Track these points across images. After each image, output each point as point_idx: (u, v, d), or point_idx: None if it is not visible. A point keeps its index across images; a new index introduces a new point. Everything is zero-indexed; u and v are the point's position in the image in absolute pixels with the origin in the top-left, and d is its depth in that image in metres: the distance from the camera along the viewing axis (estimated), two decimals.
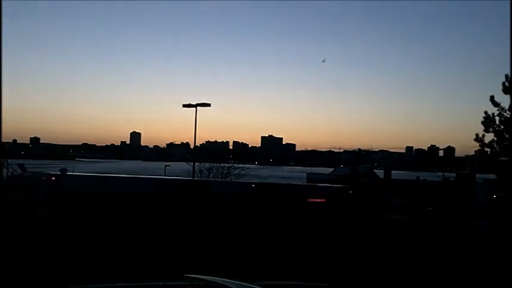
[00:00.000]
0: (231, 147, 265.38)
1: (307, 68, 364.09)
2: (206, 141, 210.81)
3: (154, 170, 60.19)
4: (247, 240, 12.57)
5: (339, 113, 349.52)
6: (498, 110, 18.72)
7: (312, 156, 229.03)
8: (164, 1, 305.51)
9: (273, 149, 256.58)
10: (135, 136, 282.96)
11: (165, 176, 37.98)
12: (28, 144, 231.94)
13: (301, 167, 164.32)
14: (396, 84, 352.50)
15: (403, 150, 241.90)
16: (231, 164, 39.21)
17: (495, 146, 18.92)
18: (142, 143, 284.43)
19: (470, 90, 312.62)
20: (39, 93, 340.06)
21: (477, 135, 19.20)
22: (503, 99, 18.84)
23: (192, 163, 34.82)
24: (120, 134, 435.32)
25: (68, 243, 11.03)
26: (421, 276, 10.71)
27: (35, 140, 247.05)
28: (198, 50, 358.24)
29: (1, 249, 10.76)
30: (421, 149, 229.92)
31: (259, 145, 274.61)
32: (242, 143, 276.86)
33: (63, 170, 12.72)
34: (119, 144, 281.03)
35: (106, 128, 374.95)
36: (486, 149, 19.49)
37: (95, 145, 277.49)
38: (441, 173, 62.03)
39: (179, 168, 39.10)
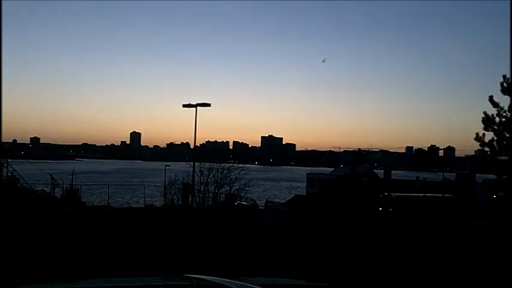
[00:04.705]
0: (231, 147, 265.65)
1: (307, 68, 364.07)
2: (206, 141, 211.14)
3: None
4: None
5: (339, 113, 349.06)
6: (497, 110, 18.73)
7: (312, 156, 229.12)
8: (164, 1, 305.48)
9: (273, 149, 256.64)
10: (135, 136, 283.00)
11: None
12: (28, 144, 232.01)
13: (301, 167, 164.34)
14: (396, 84, 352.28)
15: (403, 150, 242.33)
16: (231, 164, 39.20)
17: (495, 145, 18.92)
18: (142, 143, 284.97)
19: (470, 90, 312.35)
20: (39, 93, 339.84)
21: (477, 134, 19.19)
22: (503, 100, 18.86)
23: (192, 163, 34.83)
24: (120, 134, 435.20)
25: None
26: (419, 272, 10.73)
27: (35, 140, 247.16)
28: (198, 50, 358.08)
29: None
30: (421, 149, 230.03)
31: (259, 145, 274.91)
32: (242, 143, 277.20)
33: None
34: (119, 144, 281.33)
35: (106, 128, 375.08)
36: (486, 149, 19.49)
37: (95, 145, 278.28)
38: (441, 173, 61.97)
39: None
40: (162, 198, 36.49)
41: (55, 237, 14.08)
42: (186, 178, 34.98)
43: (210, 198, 35.24)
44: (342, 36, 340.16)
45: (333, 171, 78.82)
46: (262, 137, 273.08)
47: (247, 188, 36.89)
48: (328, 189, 52.58)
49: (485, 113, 18.78)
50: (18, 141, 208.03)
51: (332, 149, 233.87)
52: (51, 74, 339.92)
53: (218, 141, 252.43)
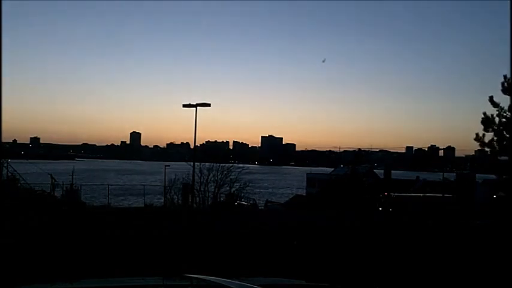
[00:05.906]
0: (231, 147, 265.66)
1: (307, 68, 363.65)
2: (206, 141, 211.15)
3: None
4: None
5: (339, 113, 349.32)
6: (497, 111, 18.70)
7: (312, 156, 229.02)
8: (164, 1, 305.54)
9: (273, 149, 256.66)
10: (135, 136, 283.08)
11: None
12: (28, 144, 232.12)
13: (301, 167, 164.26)
14: (396, 84, 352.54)
15: (403, 150, 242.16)
16: (231, 164, 39.22)
17: (495, 145, 18.90)
18: (142, 143, 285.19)
19: (470, 90, 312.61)
20: (39, 93, 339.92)
21: (477, 134, 19.15)
22: (503, 100, 18.82)
23: (192, 163, 34.84)
24: (120, 134, 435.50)
25: None
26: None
27: (35, 140, 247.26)
28: (198, 49, 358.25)
29: None
30: (421, 149, 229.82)
31: (259, 145, 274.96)
32: (242, 143, 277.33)
33: None
34: (119, 144, 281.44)
35: (106, 128, 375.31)
36: (486, 149, 19.47)
37: (95, 145, 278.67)
38: (441, 173, 61.94)
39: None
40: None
41: (55, 237, 14.08)
42: (186, 178, 35.01)
43: (210, 198, 35.27)
44: (342, 36, 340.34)
45: (333, 171, 78.78)
46: (262, 137, 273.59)
47: (246, 188, 36.97)
48: (328, 189, 52.54)
49: (484, 113, 18.73)
50: (18, 141, 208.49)
51: (332, 149, 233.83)
52: (51, 74, 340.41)
53: (218, 141, 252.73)
